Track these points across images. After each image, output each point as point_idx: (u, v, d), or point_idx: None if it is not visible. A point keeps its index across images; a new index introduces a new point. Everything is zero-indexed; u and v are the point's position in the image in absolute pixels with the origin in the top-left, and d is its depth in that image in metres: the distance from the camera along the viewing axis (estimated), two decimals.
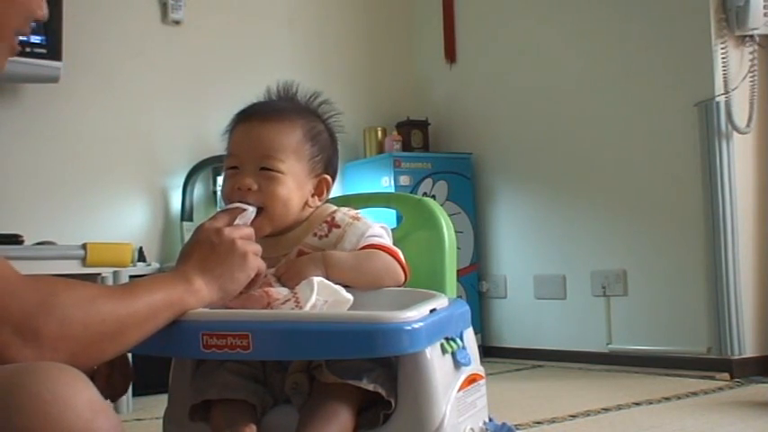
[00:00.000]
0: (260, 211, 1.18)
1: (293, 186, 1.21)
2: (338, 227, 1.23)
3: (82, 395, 0.75)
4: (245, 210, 1.15)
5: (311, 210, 1.26)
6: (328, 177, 1.27)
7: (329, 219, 1.24)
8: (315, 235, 1.23)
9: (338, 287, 1.11)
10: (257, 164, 1.19)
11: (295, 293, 1.09)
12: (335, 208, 1.28)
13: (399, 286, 1.23)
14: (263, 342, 0.96)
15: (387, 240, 1.25)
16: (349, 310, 1.11)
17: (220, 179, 3.19)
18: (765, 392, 2.50)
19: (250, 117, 1.23)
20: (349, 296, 1.11)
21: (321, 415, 1.02)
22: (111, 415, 0.77)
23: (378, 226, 1.25)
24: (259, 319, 1.01)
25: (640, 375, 2.94)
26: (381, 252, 1.21)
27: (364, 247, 1.21)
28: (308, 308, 1.07)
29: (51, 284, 0.88)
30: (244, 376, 1.10)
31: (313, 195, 1.25)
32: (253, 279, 1.09)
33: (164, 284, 0.99)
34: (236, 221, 1.13)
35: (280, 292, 1.11)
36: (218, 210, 1.17)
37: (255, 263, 1.08)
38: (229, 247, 1.06)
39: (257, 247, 1.10)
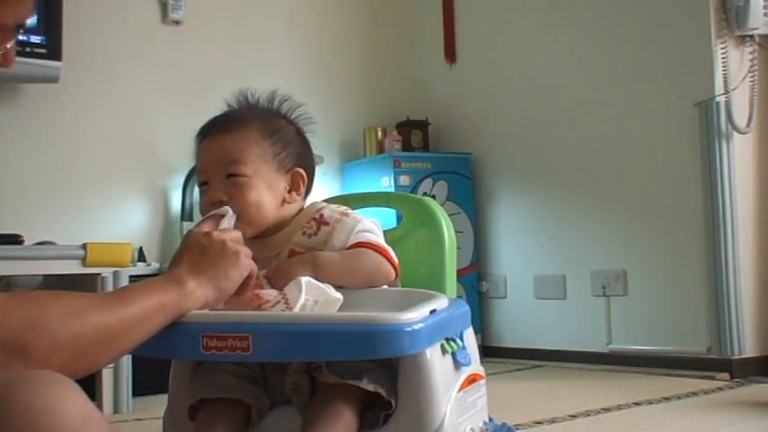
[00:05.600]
0: (237, 218, 1.18)
1: (263, 187, 1.21)
2: (327, 224, 1.22)
3: (73, 404, 0.75)
4: (224, 214, 1.15)
5: (293, 207, 1.25)
6: (301, 171, 1.26)
7: (317, 216, 1.24)
8: (304, 234, 1.22)
9: (327, 286, 1.11)
10: (223, 173, 1.20)
11: (284, 294, 1.09)
12: (324, 205, 1.28)
13: (390, 284, 1.23)
14: (263, 343, 0.96)
15: (377, 236, 1.24)
16: (349, 310, 1.11)
17: None
18: (765, 392, 2.50)
19: (209, 131, 1.24)
20: (338, 295, 1.11)
21: (325, 416, 1.02)
22: (103, 423, 0.77)
23: (368, 221, 1.24)
24: (259, 320, 1.01)
25: (640, 375, 2.94)
26: (371, 250, 1.20)
27: (354, 245, 1.20)
28: (297, 308, 1.06)
29: (37, 299, 0.87)
30: (240, 377, 1.11)
31: (290, 192, 1.25)
32: (245, 282, 1.09)
33: (155, 289, 0.99)
34: (222, 224, 1.13)
35: (270, 293, 1.11)
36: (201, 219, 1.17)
37: (248, 262, 1.09)
38: (220, 248, 1.06)
39: (248, 250, 1.10)
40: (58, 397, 0.74)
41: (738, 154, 2.95)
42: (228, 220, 1.15)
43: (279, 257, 1.22)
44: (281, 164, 1.24)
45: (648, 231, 3.18)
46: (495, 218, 3.84)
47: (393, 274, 1.22)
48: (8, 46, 0.98)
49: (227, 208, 1.16)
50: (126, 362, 2.56)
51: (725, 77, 2.93)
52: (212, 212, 1.16)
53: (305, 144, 1.31)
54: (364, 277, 1.19)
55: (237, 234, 1.11)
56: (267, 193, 1.21)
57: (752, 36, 2.96)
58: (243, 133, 1.22)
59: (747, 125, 2.95)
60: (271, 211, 1.22)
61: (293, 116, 1.31)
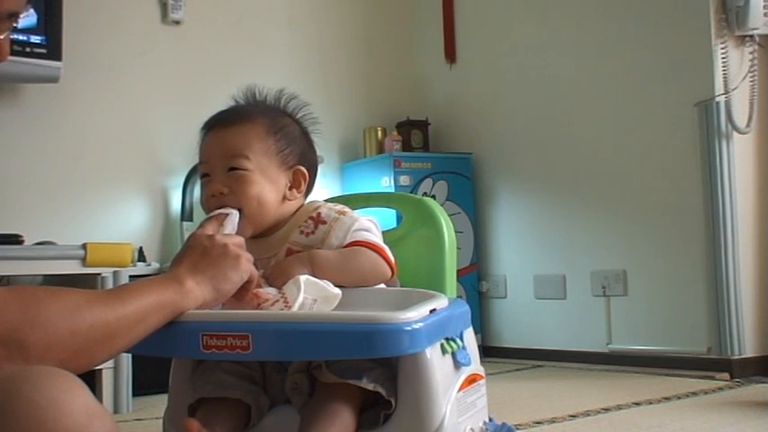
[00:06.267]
0: (241, 218, 1.18)
1: (264, 182, 1.21)
2: (324, 223, 1.22)
3: (77, 400, 0.75)
4: (228, 214, 1.16)
5: (293, 204, 1.26)
6: (303, 169, 1.27)
7: (315, 215, 1.24)
8: (302, 232, 1.22)
9: (325, 283, 1.11)
10: (225, 165, 1.21)
11: (283, 293, 1.09)
12: (321, 203, 1.28)
13: (387, 282, 1.23)
14: (263, 342, 0.96)
15: (374, 235, 1.24)
16: (349, 309, 1.11)
17: None
18: (765, 392, 2.50)
19: (214, 125, 1.25)
20: (337, 291, 1.11)
21: (323, 415, 1.02)
22: (107, 419, 0.77)
23: (365, 219, 1.25)
24: (259, 319, 1.00)
25: (640, 375, 2.94)
26: (367, 249, 1.20)
27: (351, 244, 1.20)
28: (296, 307, 1.07)
29: (34, 294, 0.87)
30: (240, 376, 1.11)
31: (291, 188, 1.25)
32: (245, 287, 1.09)
33: (154, 287, 0.99)
34: (225, 225, 1.14)
35: (269, 291, 1.11)
36: (204, 218, 1.17)
37: (248, 266, 1.09)
38: (222, 250, 1.07)
39: (249, 255, 1.10)
40: (63, 392, 0.74)
41: (738, 154, 2.95)
42: (232, 221, 1.15)
43: (276, 258, 1.22)
44: (283, 160, 1.24)
45: (648, 231, 3.18)
46: (495, 218, 3.84)
47: (389, 273, 1.22)
48: (1, 37, 0.97)
49: (232, 210, 1.17)
50: (126, 361, 2.56)
51: (725, 77, 2.93)
52: (216, 212, 1.17)
53: (308, 143, 1.31)
54: (360, 275, 1.19)
55: (240, 239, 1.12)
56: (268, 187, 1.21)
57: (752, 36, 2.96)
58: (247, 128, 1.23)
59: (747, 125, 2.95)
60: (271, 205, 1.22)
61: (299, 115, 1.32)
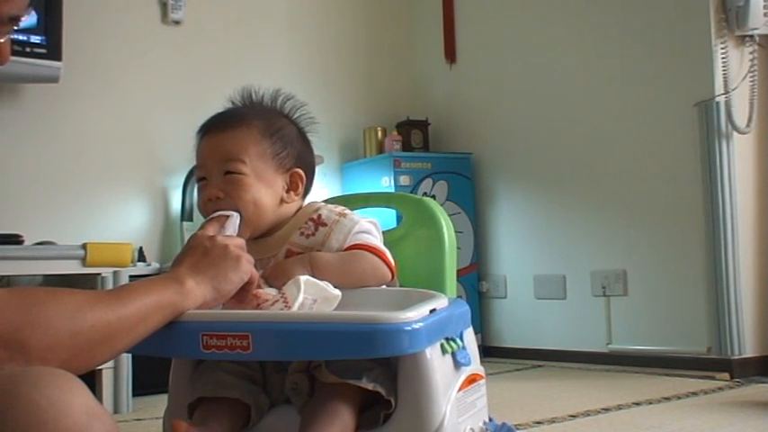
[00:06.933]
0: (241, 219, 1.18)
1: (260, 185, 1.21)
2: (324, 224, 1.22)
3: (77, 400, 0.75)
4: (229, 215, 1.16)
5: (291, 206, 1.26)
6: (300, 171, 1.27)
7: (315, 216, 1.24)
8: (302, 234, 1.23)
9: (325, 284, 1.11)
10: (221, 169, 1.21)
11: (283, 293, 1.09)
12: (321, 204, 1.28)
13: (387, 285, 1.23)
14: (263, 342, 0.96)
15: (374, 237, 1.24)
16: (349, 309, 1.11)
17: None
18: (765, 392, 2.50)
19: (210, 128, 1.25)
20: (337, 292, 1.11)
21: (323, 415, 1.02)
22: (107, 419, 0.77)
23: (365, 221, 1.24)
24: (259, 319, 1.00)
25: (640, 375, 2.94)
26: (367, 252, 1.20)
27: (351, 247, 1.20)
28: (296, 307, 1.07)
29: (35, 295, 0.87)
30: (240, 376, 1.11)
31: (288, 191, 1.25)
32: (245, 288, 1.09)
33: (154, 287, 0.99)
34: (226, 227, 1.14)
35: (268, 292, 1.11)
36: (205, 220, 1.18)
37: (248, 267, 1.09)
38: (222, 251, 1.07)
39: (250, 257, 1.11)
40: (63, 393, 0.74)
41: (738, 154, 2.95)
42: (233, 222, 1.15)
43: (276, 258, 1.22)
44: (280, 163, 1.24)
45: (648, 231, 3.18)
46: (495, 218, 3.84)
47: (389, 276, 1.22)
48: (2, 40, 0.97)
49: (233, 212, 1.17)
50: (126, 361, 2.56)
51: (725, 77, 2.93)
52: (217, 214, 1.17)
53: (306, 144, 1.31)
54: (360, 278, 1.19)
55: (241, 241, 1.12)
56: (264, 191, 1.21)
57: (752, 36, 2.96)
58: (243, 131, 1.23)
59: (747, 125, 2.95)
60: (268, 208, 1.22)
61: (295, 116, 1.32)
